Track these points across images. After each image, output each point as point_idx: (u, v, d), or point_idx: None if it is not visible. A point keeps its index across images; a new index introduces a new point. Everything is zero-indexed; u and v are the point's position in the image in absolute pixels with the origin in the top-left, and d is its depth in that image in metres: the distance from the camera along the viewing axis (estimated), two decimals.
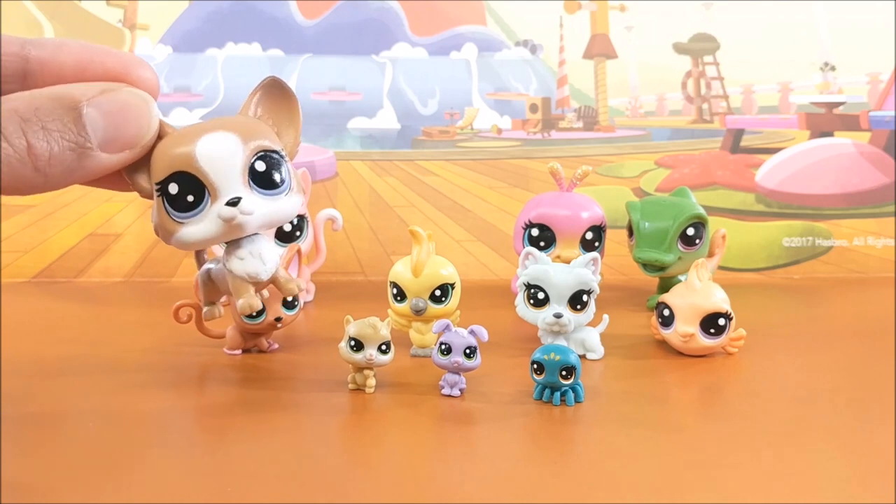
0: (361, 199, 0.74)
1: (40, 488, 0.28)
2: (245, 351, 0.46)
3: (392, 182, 0.75)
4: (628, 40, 0.76)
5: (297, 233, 0.58)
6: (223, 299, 0.40)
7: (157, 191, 0.29)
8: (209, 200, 0.29)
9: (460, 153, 0.76)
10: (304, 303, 0.59)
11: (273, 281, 0.32)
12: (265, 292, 0.36)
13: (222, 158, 0.29)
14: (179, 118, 0.74)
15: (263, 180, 0.29)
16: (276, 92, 0.31)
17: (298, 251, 0.54)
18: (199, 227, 0.29)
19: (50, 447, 0.32)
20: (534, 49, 0.76)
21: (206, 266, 0.38)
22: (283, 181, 0.30)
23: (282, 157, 0.30)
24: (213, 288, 0.38)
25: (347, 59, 0.76)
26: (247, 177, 0.29)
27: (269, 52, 0.75)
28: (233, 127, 0.29)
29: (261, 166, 0.29)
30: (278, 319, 0.44)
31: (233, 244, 0.31)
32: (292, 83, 0.75)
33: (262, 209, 0.29)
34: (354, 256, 0.73)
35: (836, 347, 0.49)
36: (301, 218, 0.58)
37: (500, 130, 0.76)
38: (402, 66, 0.76)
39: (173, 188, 0.29)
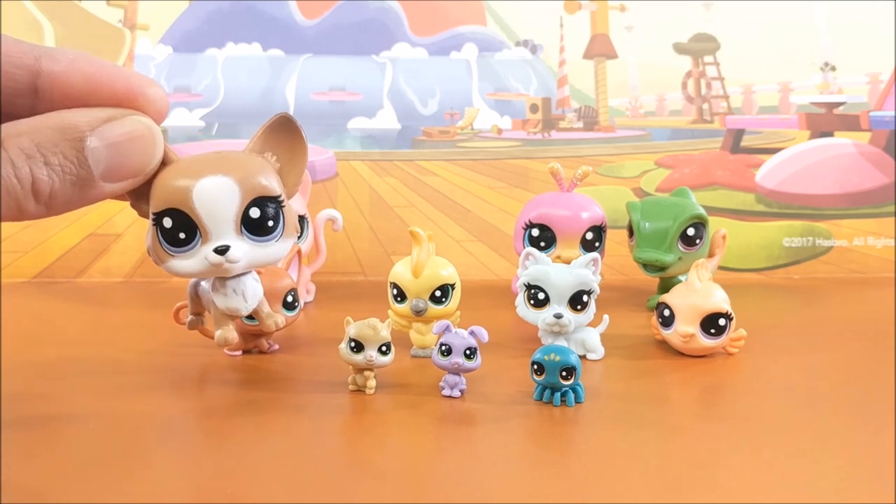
0: (361, 199, 0.74)
1: (40, 489, 0.28)
2: (245, 352, 0.46)
3: (392, 182, 0.75)
4: (628, 40, 0.76)
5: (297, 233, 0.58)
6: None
7: (153, 221, 0.29)
8: (200, 240, 0.29)
9: (460, 153, 0.76)
10: (305, 303, 0.59)
11: (255, 314, 0.34)
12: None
13: (217, 204, 0.29)
14: (179, 118, 0.74)
15: (256, 227, 0.30)
16: (284, 129, 0.31)
17: (298, 251, 0.54)
18: (188, 262, 0.30)
19: (50, 448, 0.32)
20: (534, 49, 0.76)
21: (196, 280, 0.38)
22: (275, 228, 0.30)
23: (279, 202, 0.30)
24: (199, 302, 0.39)
25: (347, 59, 0.76)
26: (239, 223, 0.30)
27: (269, 52, 0.75)
28: (233, 170, 0.29)
29: (255, 213, 0.30)
30: None
31: (219, 279, 0.32)
32: (292, 83, 0.75)
33: (249, 256, 0.30)
34: (354, 257, 0.73)
35: (836, 347, 0.49)
36: (301, 218, 0.58)
37: (500, 130, 0.76)
38: (402, 66, 0.76)
39: (167, 222, 0.29)
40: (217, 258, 0.29)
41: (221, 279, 0.32)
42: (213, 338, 0.46)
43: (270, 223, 0.30)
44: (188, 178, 0.29)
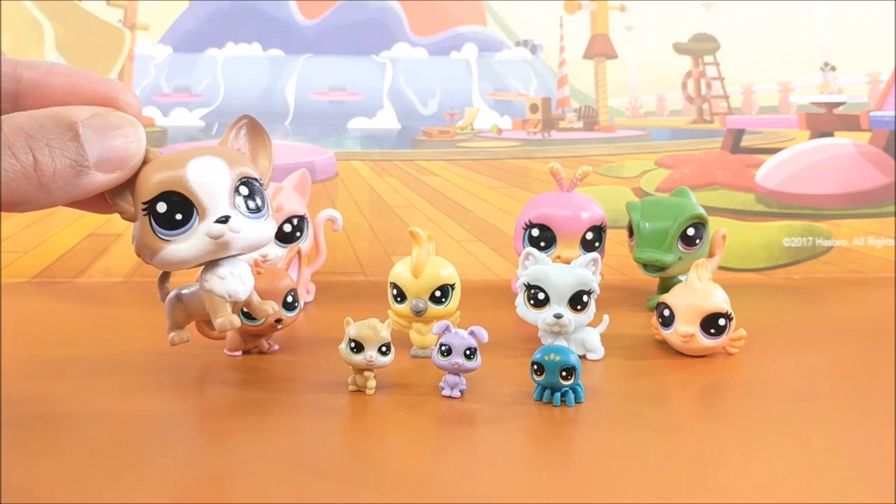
0: (361, 199, 0.74)
1: (40, 489, 0.28)
2: (245, 352, 0.46)
3: (392, 182, 0.75)
4: (628, 40, 0.76)
5: (298, 233, 0.58)
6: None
7: (144, 210, 0.30)
8: (197, 219, 0.30)
9: (460, 153, 0.76)
10: (305, 303, 0.59)
11: (247, 304, 0.34)
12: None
13: (211, 180, 0.30)
14: (179, 118, 0.74)
15: (246, 203, 0.31)
16: (251, 129, 0.34)
17: (298, 251, 0.54)
18: (186, 244, 0.30)
19: (50, 448, 0.32)
20: (534, 49, 0.76)
21: (175, 291, 0.38)
22: (263, 205, 0.32)
23: (261, 184, 0.32)
24: (182, 313, 0.38)
25: (347, 59, 0.76)
26: (233, 197, 0.31)
27: (269, 52, 0.75)
28: (219, 153, 0.31)
29: (244, 190, 0.31)
30: (278, 321, 0.44)
31: (212, 264, 0.32)
32: (292, 83, 0.75)
33: (246, 229, 0.31)
34: (354, 257, 0.73)
35: (836, 347, 0.49)
36: (301, 218, 0.58)
37: (500, 130, 0.76)
38: (402, 66, 0.76)
39: (161, 207, 0.30)
40: (219, 228, 0.30)
41: (215, 265, 0.32)
42: (214, 338, 0.46)
43: (258, 201, 0.31)
44: (177, 163, 0.30)
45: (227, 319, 0.33)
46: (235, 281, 0.32)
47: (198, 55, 0.75)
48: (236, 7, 0.75)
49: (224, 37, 0.75)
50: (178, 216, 0.30)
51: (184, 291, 0.37)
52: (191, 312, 0.37)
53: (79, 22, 0.73)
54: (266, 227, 0.32)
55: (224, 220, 0.30)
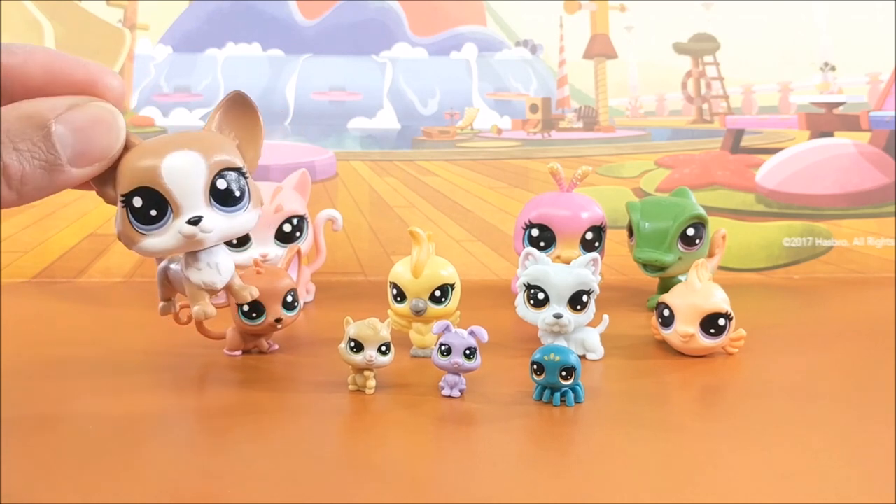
0: (361, 199, 0.74)
1: (40, 489, 0.28)
2: (245, 352, 0.46)
3: (392, 182, 0.75)
4: (628, 40, 0.76)
5: (297, 233, 0.58)
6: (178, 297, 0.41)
7: (122, 203, 0.30)
8: (171, 216, 0.30)
9: (460, 153, 0.76)
10: (304, 303, 0.59)
11: (227, 289, 0.34)
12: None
13: (186, 177, 0.30)
14: (179, 118, 0.74)
15: (224, 198, 0.31)
16: (240, 106, 0.33)
17: (298, 251, 0.54)
18: (161, 239, 0.30)
19: (50, 448, 0.32)
20: (534, 49, 0.76)
21: (165, 264, 0.39)
22: (241, 198, 0.31)
23: (242, 173, 0.31)
24: (169, 286, 0.39)
25: (347, 59, 0.76)
26: (208, 194, 0.30)
27: (269, 52, 0.75)
28: (197, 144, 0.30)
29: (222, 184, 0.31)
30: (278, 320, 0.44)
31: (191, 254, 0.32)
32: (292, 83, 0.75)
33: (220, 226, 0.31)
34: (354, 257, 0.73)
35: (836, 347, 0.49)
36: (301, 218, 0.58)
37: (500, 130, 0.76)
38: (402, 66, 0.76)
39: (137, 202, 0.30)
40: (191, 229, 0.30)
41: (194, 255, 0.32)
42: (213, 337, 0.46)
43: (237, 193, 0.31)
44: (154, 156, 0.30)
45: (202, 310, 0.33)
46: (212, 272, 0.33)
47: (198, 55, 0.75)
48: (236, 7, 0.75)
49: (224, 37, 0.75)
50: (153, 212, 0.30)
51: (171, 266, 0.38)
52: (175, 287, 0.38)
53: (79, 22, 0.73)
54: (244, 220, 0.31)
55: (195, 220, 0.30)
